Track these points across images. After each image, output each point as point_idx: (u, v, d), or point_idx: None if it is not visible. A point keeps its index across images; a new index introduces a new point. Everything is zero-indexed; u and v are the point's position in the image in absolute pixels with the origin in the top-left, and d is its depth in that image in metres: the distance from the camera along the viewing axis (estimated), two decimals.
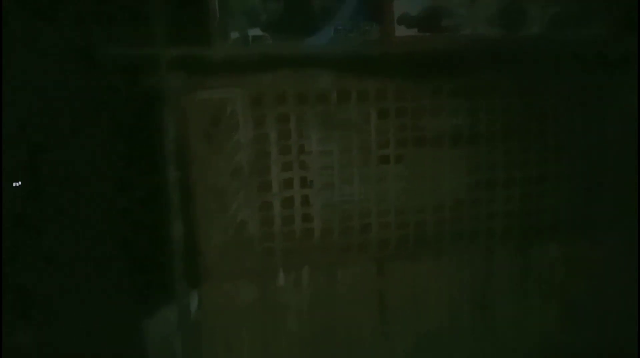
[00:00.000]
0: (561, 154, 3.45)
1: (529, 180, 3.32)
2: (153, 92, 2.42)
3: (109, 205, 2.65)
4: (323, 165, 2.72)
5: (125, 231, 2.66)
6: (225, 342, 2.67)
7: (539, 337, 3.36)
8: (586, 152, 3.56)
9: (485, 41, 3.05)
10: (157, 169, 2.49)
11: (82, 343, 2.65)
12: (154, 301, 2.62)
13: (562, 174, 3.42)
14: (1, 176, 2.46)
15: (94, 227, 2.67)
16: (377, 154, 2.93)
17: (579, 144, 3.53)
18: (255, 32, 2.46)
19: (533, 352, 3.37)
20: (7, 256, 2.47)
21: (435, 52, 2.89)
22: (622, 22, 3.49)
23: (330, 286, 2.85)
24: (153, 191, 2.58)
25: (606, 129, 3.63)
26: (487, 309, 3.26)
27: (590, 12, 3.47)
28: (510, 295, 3.21)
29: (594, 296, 3.35)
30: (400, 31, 2.63)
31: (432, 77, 2.97)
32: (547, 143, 3.37)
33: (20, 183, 2.44)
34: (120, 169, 2.60)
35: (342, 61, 2.64)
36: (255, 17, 2.47)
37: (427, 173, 3.10)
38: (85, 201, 2.60)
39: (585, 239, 3.39)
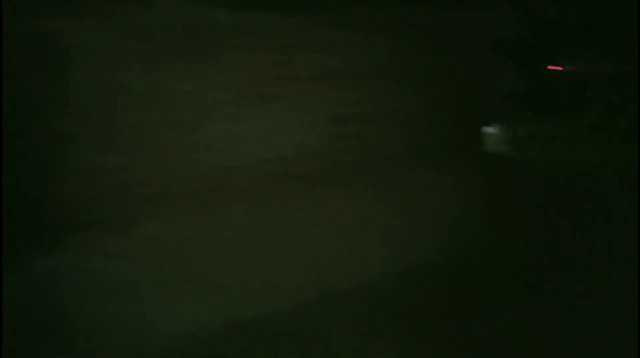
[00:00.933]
0: (430, 89, 3.48)
1: (400, 113, 3.30)
2: None
3: None
4: (186, 104, 2.55)
5: None
6: (88, 294, 2.53)
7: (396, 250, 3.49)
8: (453, 84, 3.59)
9: None
10: None
11: None
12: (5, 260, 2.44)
13: (429, 107, 3.47)
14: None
15: None
16: (245, 92, 2.81)
17: (447, 78, 3.56)
18: None
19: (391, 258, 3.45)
20: None
21: None
22: None
23: (195, 231, 2.74)
24: None
25: (472, 66, 3.64)
26: (361, 230, 3.27)
27: None
28: (378, 216, 3.24)
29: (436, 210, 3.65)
30: None
31: (302, 12, 2.84)
32: (417, 79, 3.37)
33: None
34: None
35: None
36: None
37: (298, 110, 3.01)
38: None
39: (432, 164, 3.53)
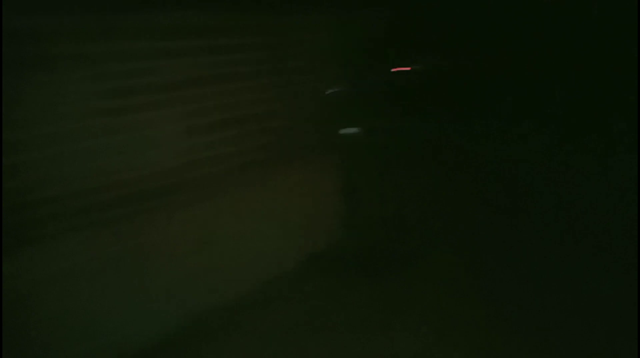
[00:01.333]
0: (289, 93, 3.61)
1: (262, 117, 3.38)
2: None
3: None
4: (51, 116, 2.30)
5: None
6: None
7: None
8: (308, 88, 3.76)
9: None
10: None
11: None
12: None
13: (290, 110, 3.61)
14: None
15: None
16: (109, 102, 2.61)
17: (303, 82, 3.72)
18: None
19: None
20: None
21: None
22: None
23: (91, 248, 2.55)
24: None
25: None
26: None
27: None
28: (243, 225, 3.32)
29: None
30: None
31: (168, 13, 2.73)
32: (276, 83, 3.47)
33: None
34: None
35: None
36: None
37: (181, 118, 2.88)
38: None
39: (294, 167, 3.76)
